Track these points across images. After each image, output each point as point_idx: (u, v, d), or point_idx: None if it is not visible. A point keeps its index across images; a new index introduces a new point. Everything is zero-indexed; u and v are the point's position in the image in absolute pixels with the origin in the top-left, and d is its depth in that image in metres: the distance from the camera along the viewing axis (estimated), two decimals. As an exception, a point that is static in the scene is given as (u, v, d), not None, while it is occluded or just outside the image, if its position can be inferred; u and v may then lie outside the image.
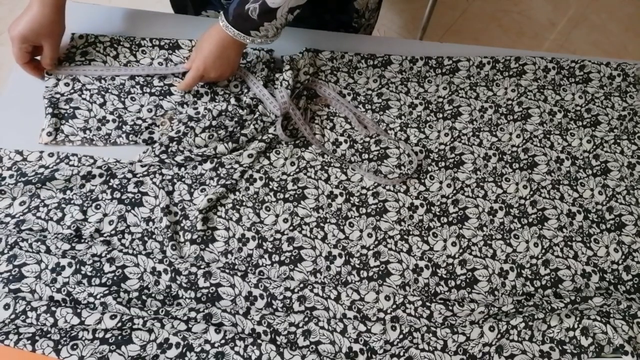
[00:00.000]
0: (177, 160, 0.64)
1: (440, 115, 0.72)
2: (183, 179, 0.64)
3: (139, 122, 0.67)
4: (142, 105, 0.68)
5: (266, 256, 0.60)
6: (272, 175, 0.66)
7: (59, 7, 0.65)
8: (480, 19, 1.70)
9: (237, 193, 0.64)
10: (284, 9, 0.60)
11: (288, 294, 0.57)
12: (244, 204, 0.63)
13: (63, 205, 0.60)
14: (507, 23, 1.70)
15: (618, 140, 0.72)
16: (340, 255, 0.61)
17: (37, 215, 0.59)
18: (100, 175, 0.62)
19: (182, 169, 0.65)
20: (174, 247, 0.60)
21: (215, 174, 0.65)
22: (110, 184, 0.62)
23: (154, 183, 0.63)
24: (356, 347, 0.54)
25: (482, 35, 1.66)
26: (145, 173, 0.63)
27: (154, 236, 0.60)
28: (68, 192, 0.61)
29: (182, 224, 0.61)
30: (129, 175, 0.62)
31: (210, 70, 0.65)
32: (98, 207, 0.60)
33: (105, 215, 0.60)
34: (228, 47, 0.64)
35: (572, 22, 1.72)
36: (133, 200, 0.61)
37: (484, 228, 0.64)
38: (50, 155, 0.63)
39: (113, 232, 0.59)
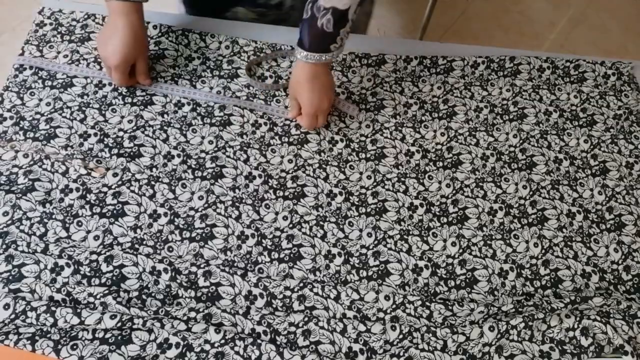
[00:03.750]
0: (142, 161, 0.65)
1: (436, 115, 0.73)
2: (160, 179, 0.64)
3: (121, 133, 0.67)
4: (122, 117, 0.68)
5: (265, 253, 0.61)
6: (270, 172, 0.66)
7: (143, 22, 0.67)
8: (480, 19, 1.70)
9: (237, 190, 0.64)
10: (352, 9, 0.59)
11: (288, 293, 0.57)
12: (243, 201, 0.64)
13: (45, 220, 0.60)
14: (507, 23, 1.70)
15: (615, 140, 0.72)
16: (339, 254, 0.61)
17: (21, 229, 0.59)
18: (77, 190, 0.62)
19: (154, 169, 0.65)
20: (170, 249, 0.60)
21: (186, 166, 0.65)
22: (87, 199, 0.61)
23: (132, 191, 0.63)
24: (356, 347, 0.54)
25: (482, 35, 1.66)
26: (120, 182, 0.63)
27: (144, 242, 0.60)
28: (47, 205, 0.61)
29: (175, 223, 0.61)
30: (105, 189, 0.62)
31: (318, 107, 0.65)
32: (80, 224, 0.60)
33: (88, 232, 0.60)
34: (318, 76, 0.64)
35: (572, 22, 1.72)
36: (115, 211, 0.61)
37: (484, 228, 0.64)
38: (25, 156, 0.63)
39: (101, 247, 0.59)
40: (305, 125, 0.67)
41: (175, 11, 0.83)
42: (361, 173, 0.67)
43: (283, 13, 0.82)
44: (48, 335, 0.50)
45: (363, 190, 0.66)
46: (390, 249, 0.62)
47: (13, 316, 0.52)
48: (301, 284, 0.58)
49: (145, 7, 0.67)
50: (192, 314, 0.54)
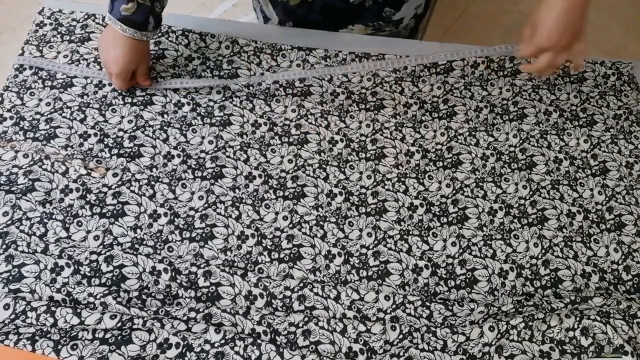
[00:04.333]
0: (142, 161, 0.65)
1: (436, 115, 0.73)
2: (160, 179, 0.64)
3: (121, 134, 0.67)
4: (122, 117, 0.68)
5: (265, 253, 0.61)
6: (270, 172, 0.66)
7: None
8: (480, 19, 1.70)
9: (237, 190, 0.64)
10: None
11: (288, 293, 0.57)
12: (243, 201, 0.64)
13: (45, 220, 0.60)
14: (507, 23, 1.70)
15: (615, 140, 0.72)
16: (339, 254, 0.61)
17: (21, 229, 0.59)
18: (77, 190, 0.62)
19: (154, 169, 0.65)
20: (170, 249, 0.60)
21: (186, 166, 0.65)
22: (87, 199, 0.61)
23: (133, 191, 0.63)
24: (356, 347, 0.54)
25: (482, 35, 1.66)
26: (120, 182, 0.63)
27: (144, 242, 0.60)
28: (47, 205, 0.61)
29: (175, 223, 0.61)
30: (105, 189, 0.62)
31: (555, 43, 0.58)
32: (80, 224, 0.60)
33: (88, 232, 0.60)
34: (574, 7, 0.57)
35: (572, 22, 1.72)
36: (114, 212, 0.61)
37: (484, 228, 0.64)
38: (25, 156, 0.63)
39: (101, 247, 0.59)
40: (524, 54, 0.61)
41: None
42: (361, 173, 0.67)
43: (398, 31, 0.82)
44: (48, 335, 0.50)
45: (363, 190, 0.66)
46: (390, 249, 0.62)
47: (13, 316, 0.52)
48: (301, 284, 0.58)
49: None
50: (192, 314, 0.54)
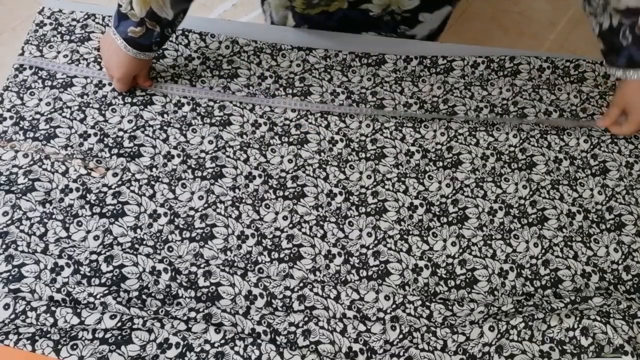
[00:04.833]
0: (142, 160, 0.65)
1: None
2: (159, 179, 0.64)
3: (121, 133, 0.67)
4: (122, 117, 0.68)
5: (265, 253, 0.61)
6: (270, 172, 0.66)
7: None
8: (480, 19, 1.70)
9: (237, 190, 0.64)
10: None
11: (288, 293, 0.57)
12: (243, 201, 0.64)
13: (45, 220, 0.60)
14: (507, 23, 1.70)
15: (615, 140, 0.72)
16: (339, 254, 0.61)
17: (21, 229, 0.59)
18: (77, 190, 0.62)
19: (154, 169, 0.65)
20: (170, 249, 0.60)
21: (186, 166, 0.65)
22: (87, 199, 0.61)
23: (132, 191, 0.63)
24: (356, 347, 0.54)
25: (482, 35, 1.66)
26: (120, 182, 0.63)
27: (144, 242, 0.60)
28: (47, 205, 0.61)
29: (175, 223, 0.61)
30: (104, 189, 0.62)
31: None
32: (80, 224, 0.60)
33: (88, 232, 0.60)
34: None
35: (572, 22, 1.72)
36: (114, 211, 0.61)
37: (484, 228, 0.64)
38: (25, 156, 0.63)
39: (101, 247, 0.59)
40: (628, 132, 0.70)
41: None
42: (361, 173, 0.67)
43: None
44: (48, 335, 0.50)
45: (363, 190, 0.66)
46: (390, 248, 0.62)
47: (13, 316, 0.52)
48: (301, 284, 0.58)
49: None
50: (192, 314, 0.54)
